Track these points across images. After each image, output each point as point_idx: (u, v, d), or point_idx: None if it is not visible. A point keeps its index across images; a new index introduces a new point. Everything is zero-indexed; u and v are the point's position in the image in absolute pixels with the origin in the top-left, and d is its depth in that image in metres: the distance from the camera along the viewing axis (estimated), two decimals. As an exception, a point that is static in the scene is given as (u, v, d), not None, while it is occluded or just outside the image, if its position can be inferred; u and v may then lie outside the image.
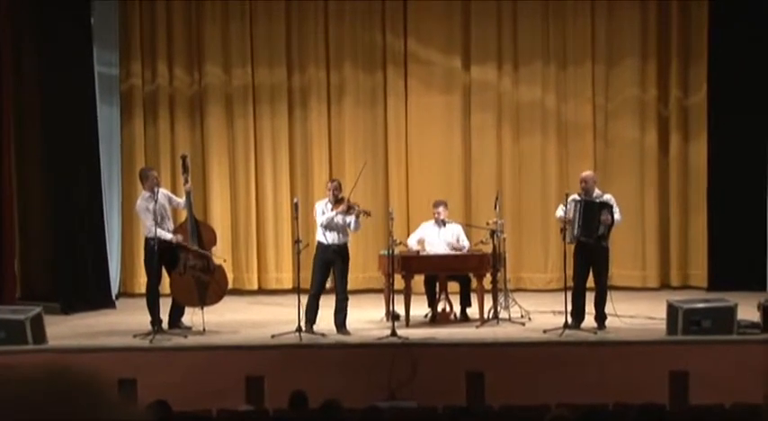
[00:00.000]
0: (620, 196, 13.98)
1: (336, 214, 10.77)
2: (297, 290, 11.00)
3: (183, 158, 11.28)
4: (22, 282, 13.06)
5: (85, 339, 10.69)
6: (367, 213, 11.10)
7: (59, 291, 12.82)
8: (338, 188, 10.99)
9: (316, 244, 10.99)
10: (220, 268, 11.12)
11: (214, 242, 11.17)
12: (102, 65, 13.52)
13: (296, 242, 10.99)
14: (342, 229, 10.88)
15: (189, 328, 10.96)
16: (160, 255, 10.79)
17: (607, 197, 11.10)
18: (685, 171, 14.32)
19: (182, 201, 11.15)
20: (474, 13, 14.30)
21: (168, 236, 10.72)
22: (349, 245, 11.15)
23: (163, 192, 11.11)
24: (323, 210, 10.83)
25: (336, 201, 10.87)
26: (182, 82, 14.42)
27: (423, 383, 9.63)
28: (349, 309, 10.91)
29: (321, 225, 10.76)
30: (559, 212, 11.14)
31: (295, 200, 11.16)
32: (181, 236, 10.78)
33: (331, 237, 10.79)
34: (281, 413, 7.95)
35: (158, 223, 10.75)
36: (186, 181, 11.11)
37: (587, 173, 11.21)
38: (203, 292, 10.89)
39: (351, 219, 10.86)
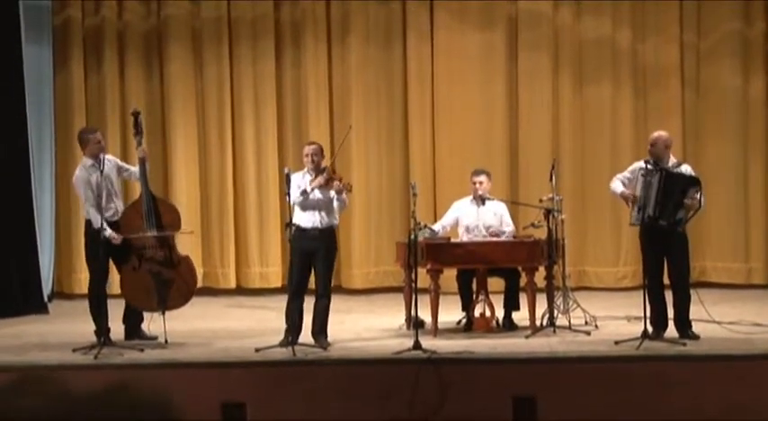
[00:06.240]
0: (717, 163, 14.03)
1: (313, 189, 10.71)
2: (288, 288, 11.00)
3: (135, 116, 11.28)
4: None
5: (9, 354, 10.71)
6: (347, 188, 11.00)
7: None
8: (319, 153, 10.92)
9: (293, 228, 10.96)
10: (186, 260, 11.08)
11: (177, 225, 11.15)
12: (29, -9, 13.55)
13: (287, 225, 10.95)
14: (325, 208, 10.82)
15: (154, 338, 10.96)
16: (108, 244, 10.78)
17: (685, 168, 10.97)
18: (804, 130, 14.33)
19: (135, 169, 11.15)
20: None
21: (105, 231, 10.67)
22: (336, 228, 11.06)
23: (110, 160, 11.08)
24: (299, 183, 10.79)
25: (319, 172, 10.81)
26: (134, 14, 14.41)
27: (455, 411, 9.64)
28: (356, 313, 10.89)
29: (295, 203, 10.72)
30: (616, 185, 10.98)
31: (285, 170, 11.10)
32: (119, 236, 10.74)
33: (310, 219, 10.73)
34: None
35: (103, 203, 10.73)
36: (139, 144, 11.10)
37: (660, 133, 11.08)
38: (164, 292, 10.86)
39: (333, 195, 10.82)
